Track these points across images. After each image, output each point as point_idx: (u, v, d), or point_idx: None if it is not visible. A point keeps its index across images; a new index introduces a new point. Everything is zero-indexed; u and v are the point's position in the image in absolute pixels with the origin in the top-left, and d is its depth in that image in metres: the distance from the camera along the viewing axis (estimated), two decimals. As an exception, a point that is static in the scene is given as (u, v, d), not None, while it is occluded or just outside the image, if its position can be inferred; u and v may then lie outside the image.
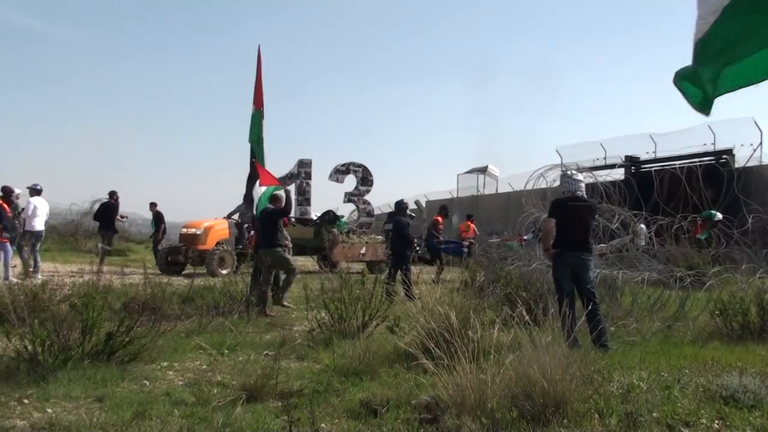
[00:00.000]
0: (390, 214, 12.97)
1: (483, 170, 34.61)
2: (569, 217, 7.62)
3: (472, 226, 20.24)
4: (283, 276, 10.96)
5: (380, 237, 21.79)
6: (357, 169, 22.32)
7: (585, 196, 7.88)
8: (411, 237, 12.72)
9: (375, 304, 7.96)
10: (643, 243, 11.87)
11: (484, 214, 31.80)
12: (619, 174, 24.27)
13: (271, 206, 10.96)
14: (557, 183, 8.62)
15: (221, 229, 17.97)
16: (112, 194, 18.62)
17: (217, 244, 17.46)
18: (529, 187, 14.25)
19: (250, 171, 11.52)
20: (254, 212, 11.31)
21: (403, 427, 4.53)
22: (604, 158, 25.53)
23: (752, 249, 13.28)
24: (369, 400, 5.01)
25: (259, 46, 16.23)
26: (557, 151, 26.01)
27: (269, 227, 10.64)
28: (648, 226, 12.73)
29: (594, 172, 16.36)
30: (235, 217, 18.52)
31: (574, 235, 7.58)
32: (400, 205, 13.11)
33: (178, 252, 17.60)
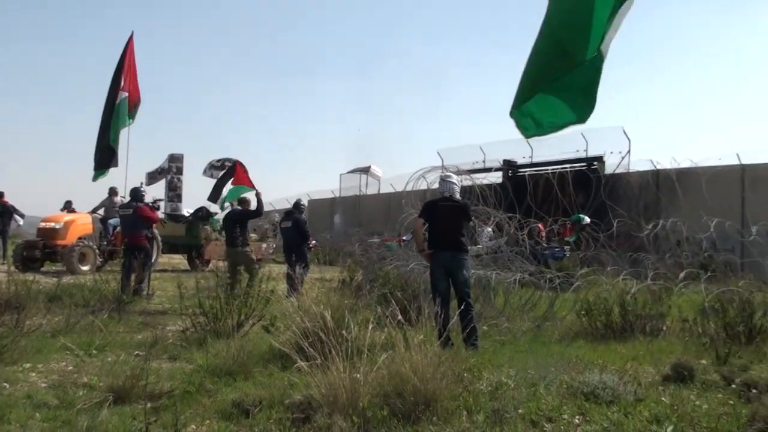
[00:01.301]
0: (287, 213, 13.80)
1: (365, 170, 35.01)
2: (439, 217, 7.77)
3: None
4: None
5: (254, 235, 21.54)
6: (231, 165, 21.80)
7: (458, 197, 8.04)
8: (309, 234, 13.53)
9: (251, 303, 7.87)
10: (489, 243, 12.53)
11: (365, 215, 32.07)
12: (496, 177, 25.00)
13: (239, 208, 11.46)
14: (437, 184, 8.80)
15: (83, 224, 16.87)
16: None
17: (79, 239, 16.39)
18: (410, 188, 14.43)
19: (227, 169, 11.65)
20: (218, 206, 11.59)
21: (275, 427, 4.52)
22: (484, 161, 26.26)
23: (617, 252, 14.01)
24: (241, 401, 4.96)
25: (132, 32, 15.86)
26: (438, 153, 26.60)
27: (239, 228, 10.87)
28: (521, 228, 13.18)
29: (472, 175, 16.74)
30: (101, 212, 17.63)
31: (444, 236, 7.73)
32: (298, 204, 14.08)
33: (35, 247, 16.25)
